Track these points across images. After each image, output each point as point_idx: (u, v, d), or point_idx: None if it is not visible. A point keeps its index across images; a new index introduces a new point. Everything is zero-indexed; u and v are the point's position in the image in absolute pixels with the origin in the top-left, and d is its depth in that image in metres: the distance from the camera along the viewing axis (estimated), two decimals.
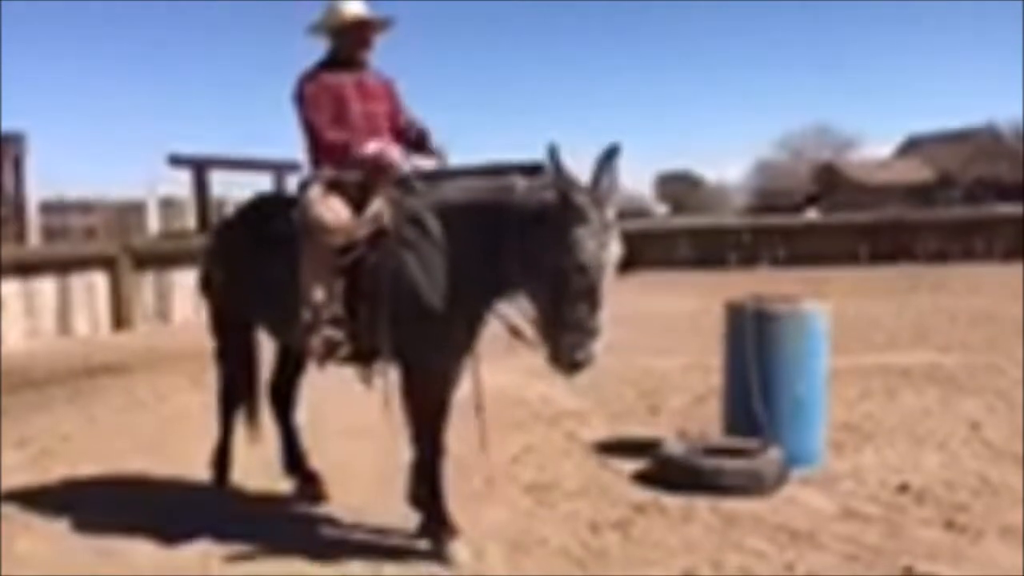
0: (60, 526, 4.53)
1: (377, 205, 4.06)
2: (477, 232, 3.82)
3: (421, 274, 3.89)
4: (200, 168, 15.13)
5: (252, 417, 4.90)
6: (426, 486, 4.15)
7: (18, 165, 16.61)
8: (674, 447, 5.07)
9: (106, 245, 14.97)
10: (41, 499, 4.91)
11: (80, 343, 12.17)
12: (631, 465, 5.24)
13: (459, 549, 4.01)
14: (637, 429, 6.18)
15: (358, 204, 4.11)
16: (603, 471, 5.26)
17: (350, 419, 5.84)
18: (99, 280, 13.25)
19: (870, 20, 79.98)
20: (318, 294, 4.04)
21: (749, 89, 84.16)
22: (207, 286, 4.91)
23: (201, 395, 5.44)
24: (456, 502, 4.50)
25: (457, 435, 5.61)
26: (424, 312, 3.88)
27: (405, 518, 4.26)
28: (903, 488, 4.78)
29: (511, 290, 3.86)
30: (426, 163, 4.37)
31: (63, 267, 12.85)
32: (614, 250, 3.53)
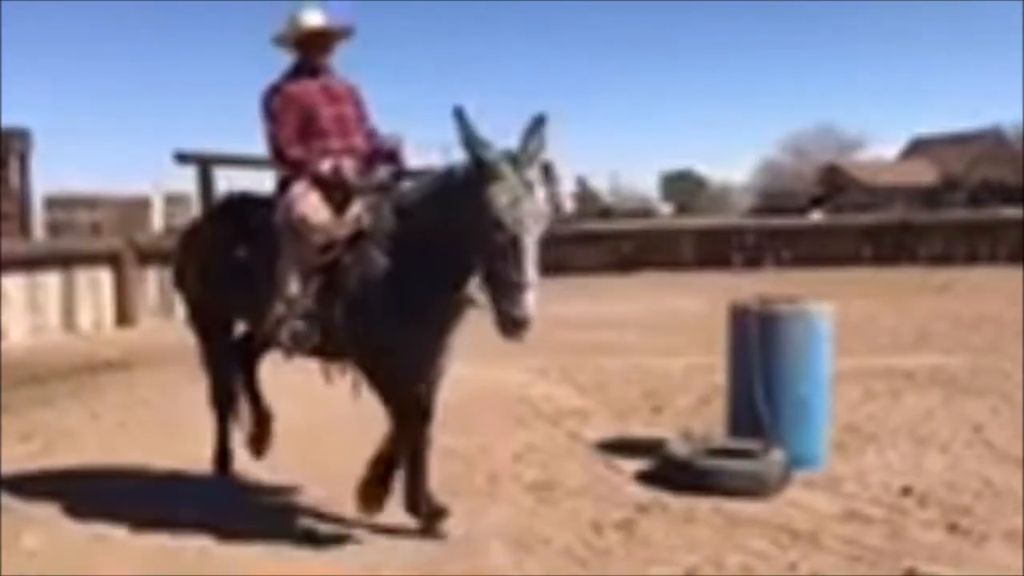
0: (64, 521, 4.55)
1: (357, 207, 4.22)
2: (432, 222, 3.91)
3: (390, 276, 4.00)
4: (205, 165, 15.11)
5: (237, 417, 5.07)
6: (410, 480, 4.26)
7: (23, 160, 16.64)
8: (677, 447, 5.07)
9: (111, 241, 14.99)
10: (45, 494, 4.91)
11: (84, 338, 12.19)
12: (634, 465, 5.24)
13: (448, 526, 4.20)
14: (640, 429, 6.18)
15: (339, 205, 4.25)
16: (606, 470, 5.26)
17: (356, 417, 5.83)
18: (104, 276, 13.26)
19: (876, 21, 79.91)
20: (292, 288, 4.18)
21: (754, 89, 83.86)
22: (181, 281, 5.06)
23: (203, 391, 5.46)
24: (459, 500, 4.52)
25: (459, 433, 5.62)
26: (391, 313, 3.98)
27: (408, 519, 4.28)
28: (906, 490, 4.77)
29: (469, 273, 3.91)
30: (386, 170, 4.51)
31: (68, 262, 12.85)
32: (533, 207, 3.60)
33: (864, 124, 69.41)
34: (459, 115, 3.66)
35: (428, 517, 4.25)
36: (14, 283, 11.97)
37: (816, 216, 30.05)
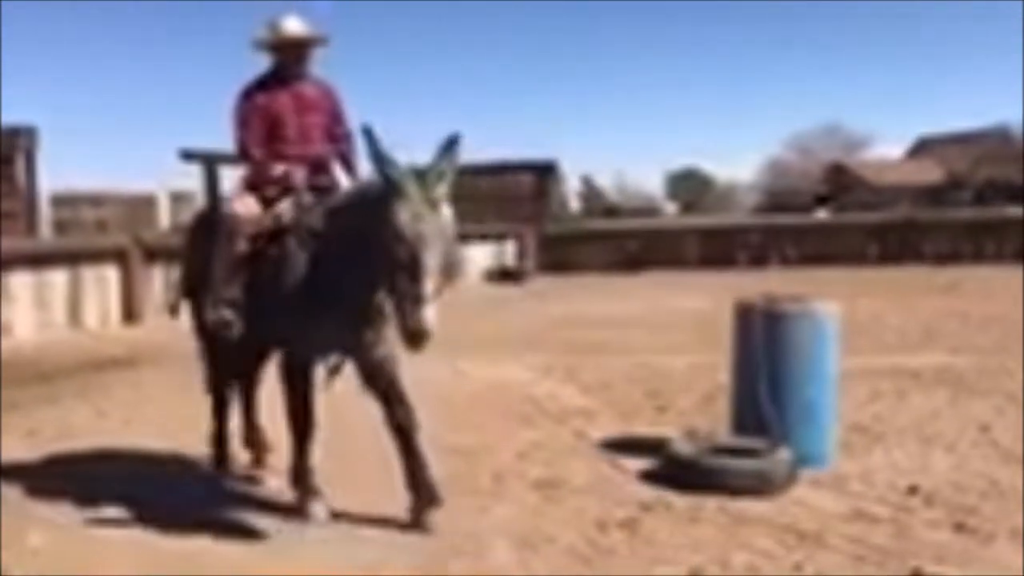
0: (69, 519, 4.55)
1: (283, 205, 4.55)
2: (349, 227, 4.10)
3: (308, 270, 4.24)
4: (211, 163, 15.14)
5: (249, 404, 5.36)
6: (294, 453, 4.54)
7: (29, 158, 16.66)
8: (682, 446, 5.06)
9: (117, 238, 15.03)
10: (50, 492, 4.92)
11: (90, 336, 12.22)
12: (639, 464, 5.23)
13: (317, 507, 4.44)
14: (645, 428, 6.17)
15: (270, 202, 4.61)
16: (611, 469, 5.25)
17: (359, 418, 5.83)
18: (110, 273, 13.29)
19: (882, 20, 79.66)
20: (220, 277, 4.52)
21: (760, 88, 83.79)
22: (189, 276, 5.24)
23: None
24: (463, 498, 4.52)
25: (464, 431, 5.62)
26: (302, 306, 4.23)
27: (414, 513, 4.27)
28: (912, 490, 4.76)
29: (378, 281, 4.03)
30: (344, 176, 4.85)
31: (74, 260, 12.88)
32: (435, 224, 3.74)
33: (870, 123, 69.43)
34: (367, 133, 3.83)
35: (420, 506, 4.33)
36: (20, 280, 12.00)
37: (821, 215, 30.04)
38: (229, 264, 4.51)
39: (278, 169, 4.66)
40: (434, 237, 3.72)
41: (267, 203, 4.62)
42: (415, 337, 3.73)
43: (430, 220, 3.73)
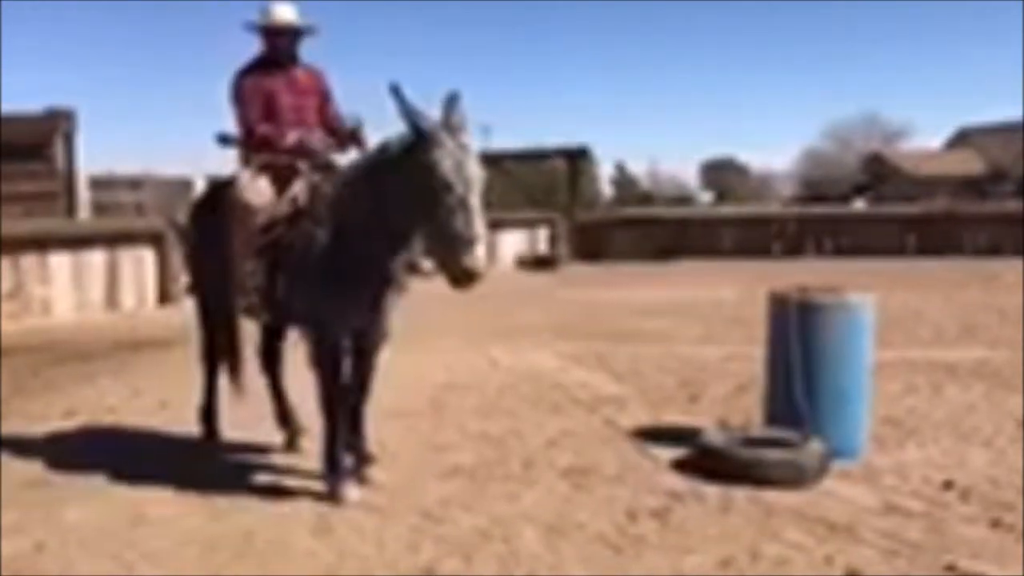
0: (105, 496, 4.62)
1: (296, 188, 4.63)
2: (369, 194, 4.21)
3: (329, 249, 4.31)
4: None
5: (235, 376, 5.32)
6: (328, 436, 4.54)
7: (68, 141, 16.89)
8: (714, 436, 5.03)
9: (153, 221, 15.22)
10: (87, 470, 5.00)
11: (127, 317, 12.39)
12: (670, 453, 5.20)
13: (350, 489, 4.47)
14: (677, 417, 6.14)
15: (284, 187, 4.69)
16: (641, 458, 5.23)
17: (391, 401, 5.86)
18: (146, 255, 13.46)
19: (923, 9, 78.39)
20: (245, 265, 4.64)
21: (798, 77, 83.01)
22: (192, 258, 5.49)
23: (245, 370, 5.52)
24: (493, 483, 4.52)
25: (494, 417, 5.62)
26: (328, 285, 4.31)
27: (442, 502, 4.27)
28: (947, 484, 4.69)
29: (407, 240, 4.26)
30: (351, 151, 4.94)
31: (111, 242, 13.06)
32: (474, 167, 3.92)
33: (909, 113, 68.45)
34: (396, 91, 3.95)
35: (360, 466, 4.66)
36: (59, 261, 12.20)
37: (859, 205, 29.69)
38: (249, 252, 4.61)
39: (291, 137, 4.77)
40: (476, 179, 3.90)
41: (281, 181, 4.69)
42: (469, 277, 3.85)
43: (469, 164, 3.90)
